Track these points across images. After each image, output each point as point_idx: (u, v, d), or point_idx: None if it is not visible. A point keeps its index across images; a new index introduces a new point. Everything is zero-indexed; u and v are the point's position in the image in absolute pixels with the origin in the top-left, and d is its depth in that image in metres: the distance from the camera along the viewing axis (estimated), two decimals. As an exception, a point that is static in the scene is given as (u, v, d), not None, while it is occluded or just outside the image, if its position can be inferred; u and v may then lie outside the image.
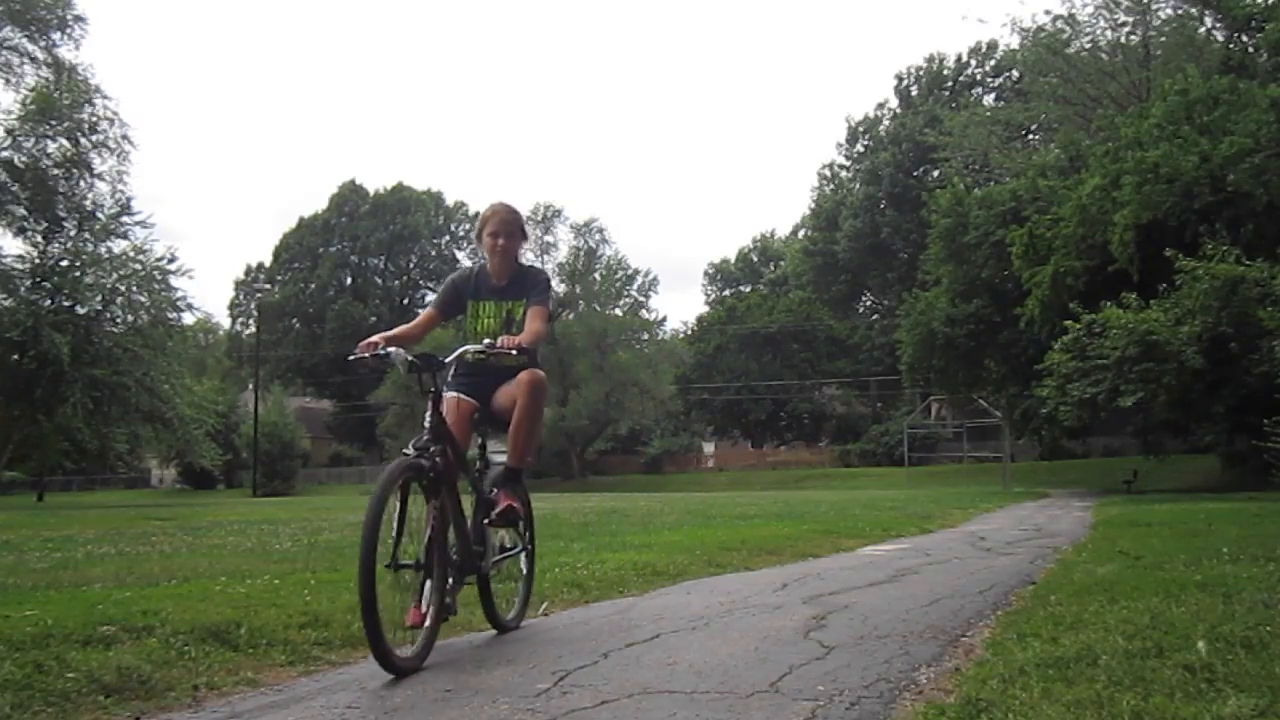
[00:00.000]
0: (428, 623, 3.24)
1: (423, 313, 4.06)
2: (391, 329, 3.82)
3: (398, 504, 3.19)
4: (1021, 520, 12.26)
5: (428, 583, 3.30)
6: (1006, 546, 8.07)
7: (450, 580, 3.43)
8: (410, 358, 3.46)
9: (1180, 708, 2.29)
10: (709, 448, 56.67)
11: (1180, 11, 28.44)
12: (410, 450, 3.31)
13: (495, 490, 3.84)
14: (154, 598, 4.14)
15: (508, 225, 3.97)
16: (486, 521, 3.80)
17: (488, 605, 3.86)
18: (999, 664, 2.91)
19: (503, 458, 3.95)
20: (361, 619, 2.99)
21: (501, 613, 3.92)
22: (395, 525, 3.17)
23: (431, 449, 3.37)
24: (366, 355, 3.52)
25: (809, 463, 49.29)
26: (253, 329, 62.79)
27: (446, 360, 3.62)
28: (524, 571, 4.21)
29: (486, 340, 3.58)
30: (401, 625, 3.19)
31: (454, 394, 3.83)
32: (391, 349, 3.48)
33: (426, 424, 3.43)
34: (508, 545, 4.08)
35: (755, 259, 72.03)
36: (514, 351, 3.52)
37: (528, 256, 4.55)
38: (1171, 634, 3.16)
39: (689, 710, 2.59)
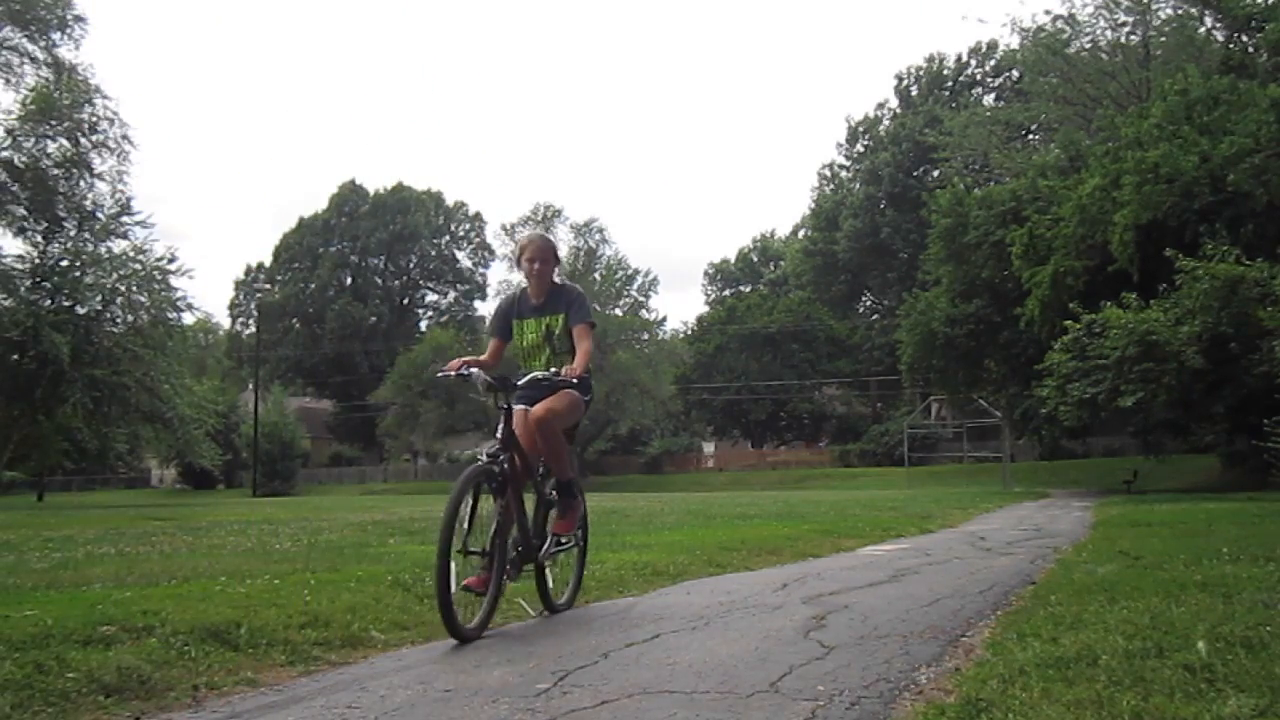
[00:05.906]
0: (487, 597, 3.87)
1: (490, 343, 4.66)
2: (473, 358, 4.43)
3: (471, 501, 3.89)
4: (1021, 520, 12.26)
5: (492, 565, 3.96)
6: (1006, 546, 8.07)
7: (510, 566, 4.08)
8: (488, 379, 4.18)
9: (1180, 708, 2.29)
10: (709, 448, 56.65)
11: (1180, 11, 28.43)
12: (483, 456, 4.07)
13: (554, 493, 4.52)
14: (154, 598, 4.13)
15: (543, 251, 4.57)
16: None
17: (542, 589, 4.43)
18: (999, 664, 2.91)
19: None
20: (436, 595, 3.66)
21: (554, 597, 4.50)
22: (468, 518, 3.87)
23: (501, 456, 4.05)
24: (452, 373, 4.28)
25: (809, 463, 49.28)
26: (253, 329, 62.73)
27: (519, 383, 4.21)
28: (575, 564, 4.82)
29: (553, 369, 4.25)
30: (463, 604, 3.77)
31: (520, 407, 4.40)
32: (473, 370, 4.23)
33: (499, 435, 4.11)
34: (564, 541, 4.62)
35: (755, 259, 71.96)
36: (575, 380, 4.22)
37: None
38: (1171, 634, 3.15)
39: (689, 710, 2.59)
